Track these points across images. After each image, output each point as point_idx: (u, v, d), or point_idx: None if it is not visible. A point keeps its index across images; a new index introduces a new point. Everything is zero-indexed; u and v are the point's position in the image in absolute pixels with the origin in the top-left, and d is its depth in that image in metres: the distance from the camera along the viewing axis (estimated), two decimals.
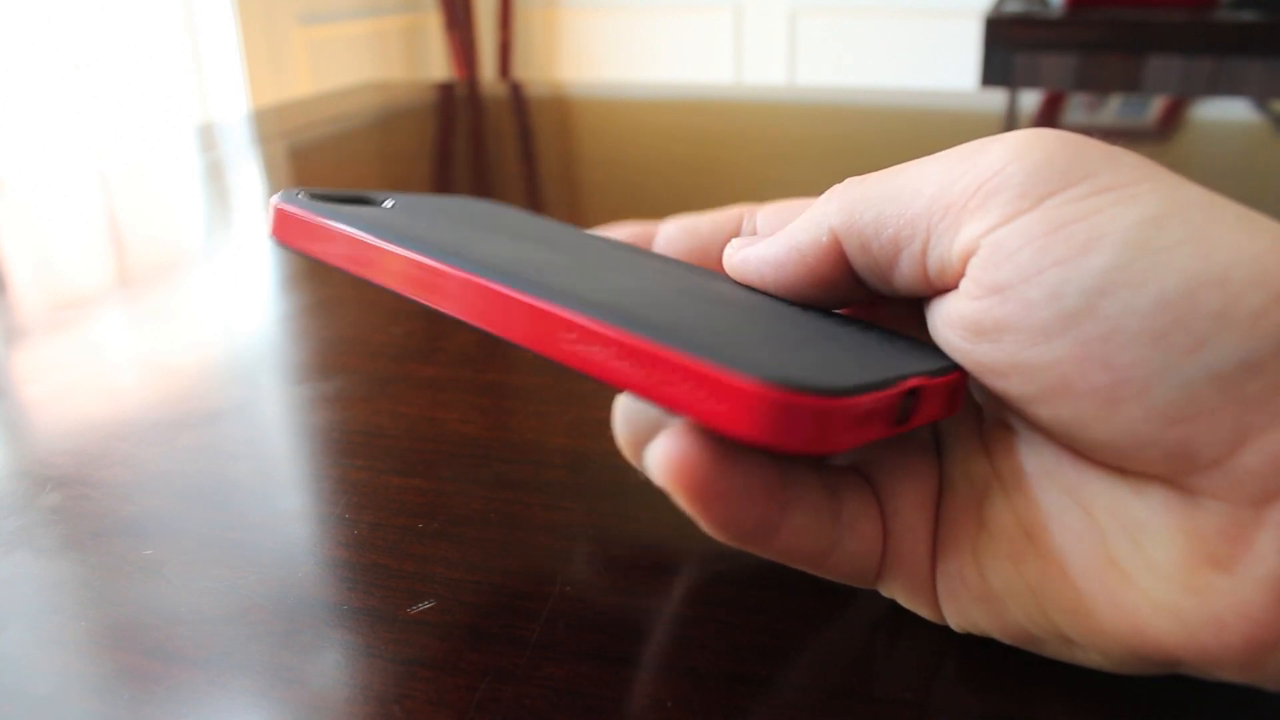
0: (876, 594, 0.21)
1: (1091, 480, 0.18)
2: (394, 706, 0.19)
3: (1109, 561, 0.17)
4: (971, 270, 0.18)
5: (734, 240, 0.24)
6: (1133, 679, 0.19)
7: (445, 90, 0.99)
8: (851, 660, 0.20)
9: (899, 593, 0.21)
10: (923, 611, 0.21)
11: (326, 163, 0.68)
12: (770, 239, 0.22)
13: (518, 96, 0.95)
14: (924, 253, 0.19)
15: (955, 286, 0.19)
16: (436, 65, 2.46)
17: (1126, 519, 0.17)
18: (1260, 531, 0.16)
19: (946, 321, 0.19)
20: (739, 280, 0.23)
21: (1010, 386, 0.18)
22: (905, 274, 0.20)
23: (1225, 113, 0.80)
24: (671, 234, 0.25)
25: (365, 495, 0.26)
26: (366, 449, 0.29)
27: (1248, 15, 1.40)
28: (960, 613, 0.20)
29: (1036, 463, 0.19)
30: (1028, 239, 0.17)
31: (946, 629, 0.20)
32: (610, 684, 0.19)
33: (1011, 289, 0.17)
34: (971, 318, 0.18)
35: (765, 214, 0.25)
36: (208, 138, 0.76)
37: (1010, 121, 0.77)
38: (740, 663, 0.20)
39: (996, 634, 0.19)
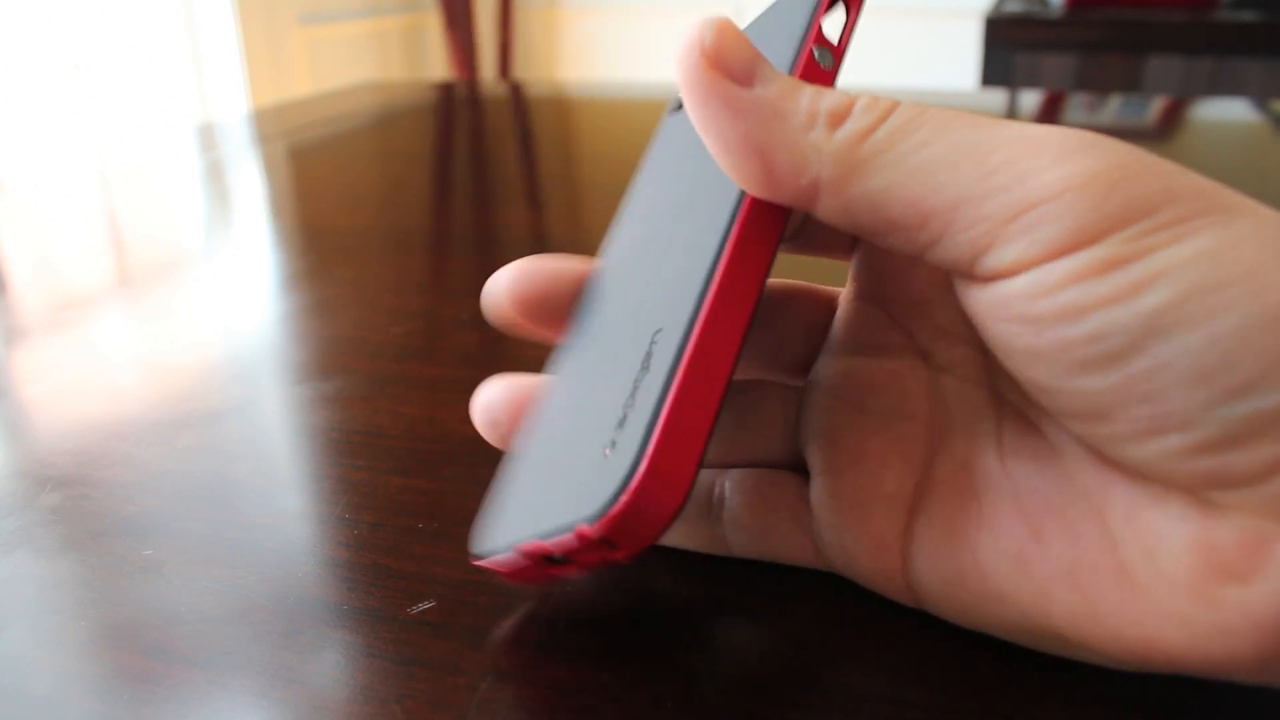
0: (877, 594, 0.21)
1: (1112, 486, 0.18)
2: (394, 706, 0.19)
3: (1119, 569, 0.17)
4: (1001, 292, 0.17)
5: (711, 28, 0.18)
6: (1132, 678, 0.19)
7: (445, 90, 0.99)
8: (851, 660, 0.20)
9: (861, 581, 0.21)
10: (887, 594, 0.21)
11: (326, 163, 0.68)
12: (746, 110, 0.18)
13: (518, 96, 0.95)
14: (930, 244, 0.18)
15: (967, 276, 0.18)
16: (436, 65, 2.46)
17: (1142, 527, 0.17)
18: None
19: (975, 323, 0.18)
20: (687, 105, 0.18)
21: (1041, 400, 0.18)
22: (897, 246, 0.18)
23: (1225, 113, 0.80)
24: None
25: (365, 495, 0.26)
26: (366, 449, 0.29)
27: (1248, 15, 1.40)
28: (959, 611, 0.20)
29: (1057, 466, 0.19)
30: (1074, 277, 0.16)
31: (947, 629, 0.20)
32: (610, 684, 0.19)
33: (1050, 324, 0.16)
34: (1001, 340, 0.17)
35: None
36: (208, 138, 0.76)
37: None
38: (740, 663, 0.20)
39: (995, 631, 0.19)
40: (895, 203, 0.17)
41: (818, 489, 0.22)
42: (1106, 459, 0.18)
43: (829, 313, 0.24)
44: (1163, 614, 0.17)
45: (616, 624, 0.21)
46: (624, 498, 0.16)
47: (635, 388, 0.17)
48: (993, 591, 0.19)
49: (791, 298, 0.24)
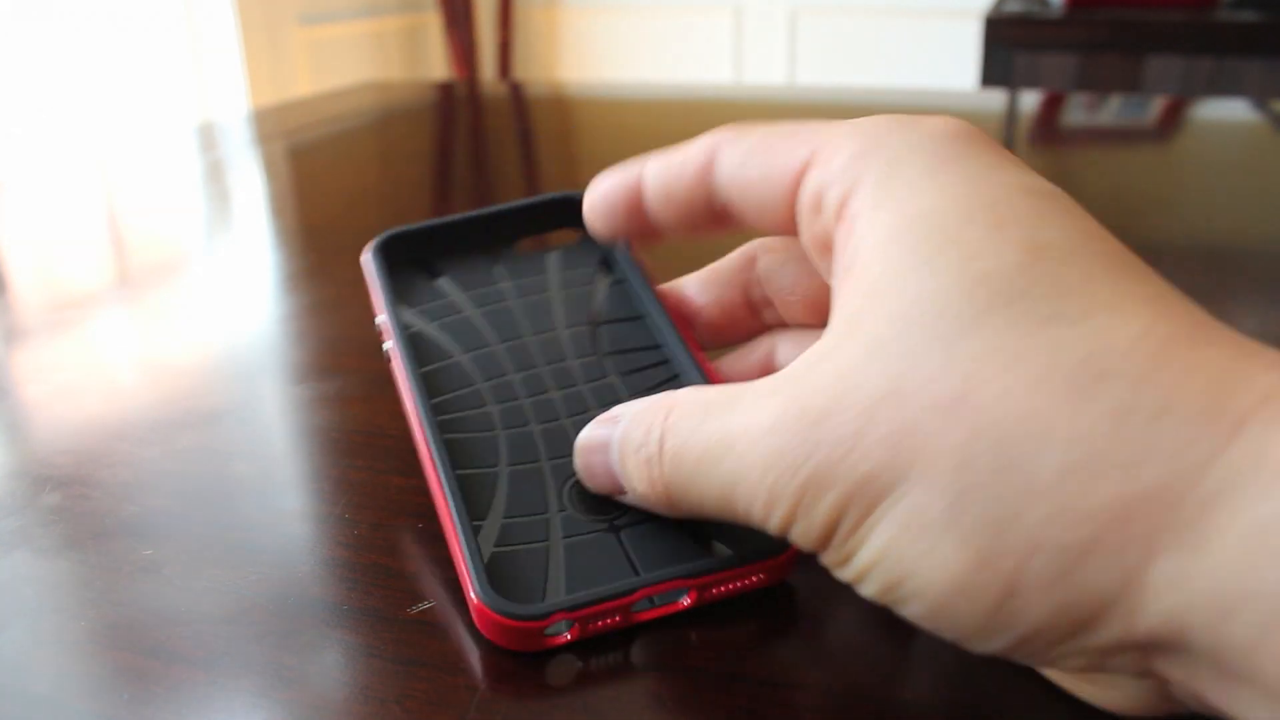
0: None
1: None
2: (394, 706, 0.19)
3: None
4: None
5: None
6: None
7: (445, 90, 0.99)
8: (851, 659, 0.20)
9: None
10: None
11: (326, 163, 0.68)
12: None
13: (518, 96, 0.95)
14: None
15: None
16: (436, 65, 2.46)
17: None
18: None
19: None
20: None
21: None
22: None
23: (1225, 113, 0.80)
24: (657, 193, 0.25)
25: (365, 495, 0.26)
26: (366, 449, 0.29)
27: (1248, 15, 1.40)
28: None
29: None
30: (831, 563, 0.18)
31: None
32: (610, 684, 0.19)
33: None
34: None
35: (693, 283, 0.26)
36: (208, 138, 0.76)
37: (1010, 122, 0.77)
38: (740, 663, 0.20)
39: None
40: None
41: None
42: None
43: None
44: (1065, 678, 0.19)
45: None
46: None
47: None
48: None
49: None
